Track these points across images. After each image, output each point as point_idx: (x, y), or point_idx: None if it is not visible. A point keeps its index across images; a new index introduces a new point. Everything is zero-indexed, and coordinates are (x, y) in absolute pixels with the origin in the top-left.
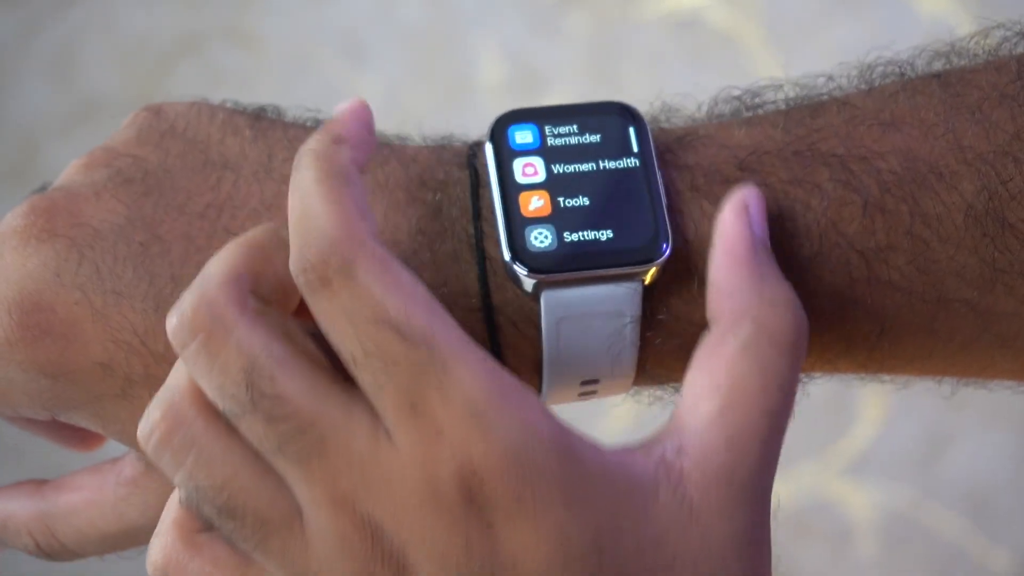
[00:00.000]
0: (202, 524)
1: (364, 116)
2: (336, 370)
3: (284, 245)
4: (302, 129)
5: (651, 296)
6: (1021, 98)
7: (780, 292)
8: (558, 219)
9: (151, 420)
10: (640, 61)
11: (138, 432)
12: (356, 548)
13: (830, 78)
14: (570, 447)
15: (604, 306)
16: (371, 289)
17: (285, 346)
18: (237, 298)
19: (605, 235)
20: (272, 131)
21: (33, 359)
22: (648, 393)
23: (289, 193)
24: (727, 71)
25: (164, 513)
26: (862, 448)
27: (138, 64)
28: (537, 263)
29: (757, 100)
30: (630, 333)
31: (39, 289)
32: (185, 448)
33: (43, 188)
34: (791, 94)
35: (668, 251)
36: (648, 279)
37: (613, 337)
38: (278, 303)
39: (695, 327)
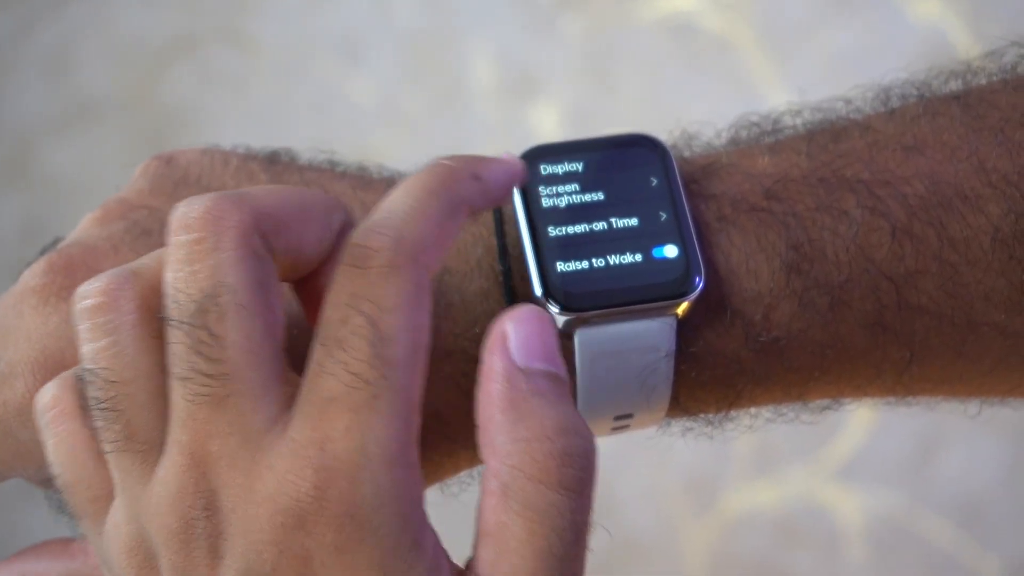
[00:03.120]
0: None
1: (514, 176)
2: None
3: (325, 220)
4: (317, 171)
5: (684, 329)
6: None
7: (536, 426)
8: (587, 251)
9: (94, 285)
10: (635, 65)
11: (78, 288)
12: (184, 511)
13: (848, 101)
14: (416, 543)
15: (638, 341)
16: (389, 298)
17: (254, 296)
18: (246, 228)
19: (633, 259)
20: (287, 175)
21: None
22: (680, 424)
23: (402, 182)
24: (722, 75)
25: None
26: (852, 453)
27: (133, 64)
28: (569, 300)
29: (777, 125)
30: (664, 367)
31: (61, 348)
32: (104, 331)
33: (55, 243)
34: (810, 118)
35: (701, 285)
36: (681, 313)
37: (647, 372)
38: (280, 264)
39: (728, 359)
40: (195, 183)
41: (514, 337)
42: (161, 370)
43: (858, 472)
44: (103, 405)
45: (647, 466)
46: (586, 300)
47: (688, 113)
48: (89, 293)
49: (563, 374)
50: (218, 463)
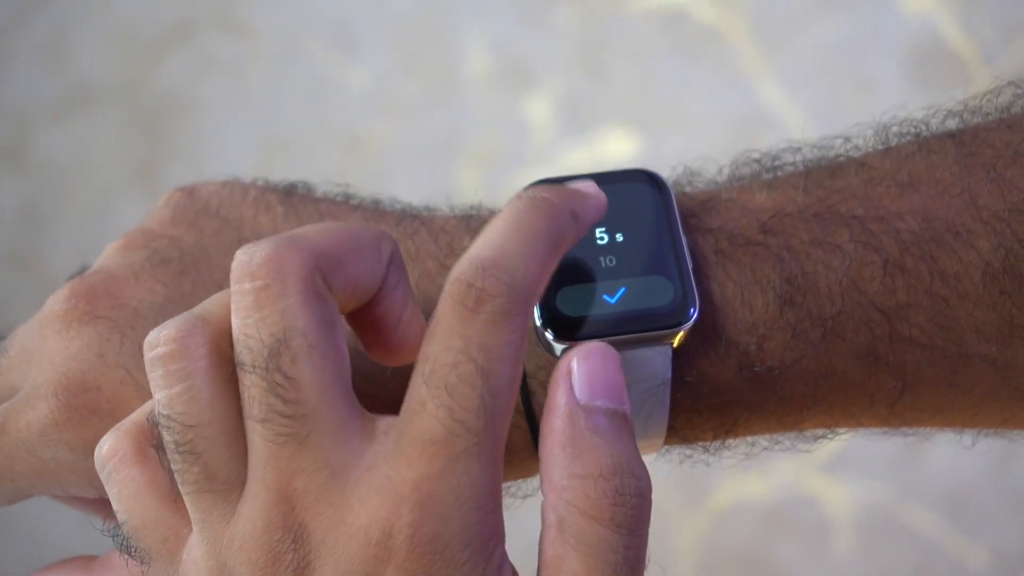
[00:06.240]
0: (158, 440)
1: (601, 213)
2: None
3: (376, 252)
4: (333, 204)
5: (679, 359)
6: None
7: (592, 464)
8: (588, 282)
9: (164, 333)
10: (627, 55)
11: (147, 337)
12: (272, 545)
13: (847, 139)
14: None
15: (635, 370)
16: (500, 347)
17: (323, 336)
18: (308, 271)
19: (626, 292)
20: (303, 207)
21: (81, 438)
22: (678, 452)
23: (506, 214)
24: (713, 65)
25: (137, 413)
26: (840, 445)
27: (131, 50)
28: (567, 329)
29: (776, 162)
30: (661, 395)
31: (83, 370)
32: (178, 377)
33: (81, 271)
34: (809, 155)
35: (696, 315)
36: (676, 342)
37: (644, 399)
38: (339, 299)
39: (723, 388)
40: (215, 214)
41: (578, 373)
42: (235, 412)
43: (846, 464)
44: (182, 448)
45: None
46: (583, 329)
47: (679, 104)
48: (159, 341)
49: (627, 411)
50: (305, 498)
